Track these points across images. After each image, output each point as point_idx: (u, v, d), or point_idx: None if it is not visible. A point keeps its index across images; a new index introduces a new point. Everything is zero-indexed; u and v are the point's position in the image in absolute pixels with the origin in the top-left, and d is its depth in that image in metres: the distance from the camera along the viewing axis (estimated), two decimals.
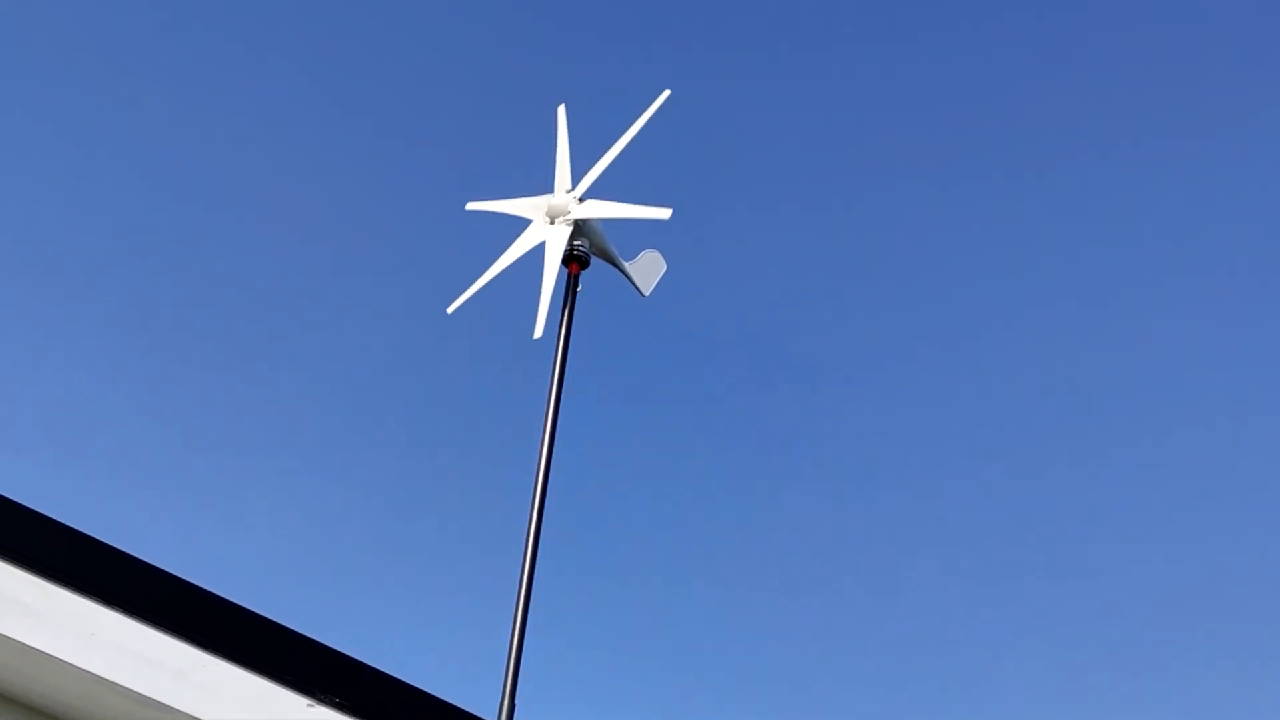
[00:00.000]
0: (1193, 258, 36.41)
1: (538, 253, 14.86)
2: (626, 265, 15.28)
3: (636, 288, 15.30)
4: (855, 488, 35.20)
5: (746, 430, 34.84)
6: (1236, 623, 33.64)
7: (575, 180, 15.31)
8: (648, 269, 15.36)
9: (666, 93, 15.61)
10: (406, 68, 35.96)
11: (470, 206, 15.93)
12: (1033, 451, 35.82)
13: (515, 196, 15.62)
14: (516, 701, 12.35)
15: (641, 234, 15.45)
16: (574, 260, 14.74)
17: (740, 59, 35.32)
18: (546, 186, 15.45)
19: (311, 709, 5.91)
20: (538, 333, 14.30)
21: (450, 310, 15.17)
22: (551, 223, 14.97)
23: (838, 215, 36.12)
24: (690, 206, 14.94)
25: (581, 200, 15.15)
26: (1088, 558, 34.87)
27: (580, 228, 14.81)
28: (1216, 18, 36.26)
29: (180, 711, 5.87)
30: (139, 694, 5.71)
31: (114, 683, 5.65)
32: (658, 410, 34.27)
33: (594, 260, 14.93)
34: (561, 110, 15.90)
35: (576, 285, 14.70)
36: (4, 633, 5.48)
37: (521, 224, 15.28)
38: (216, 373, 34.44)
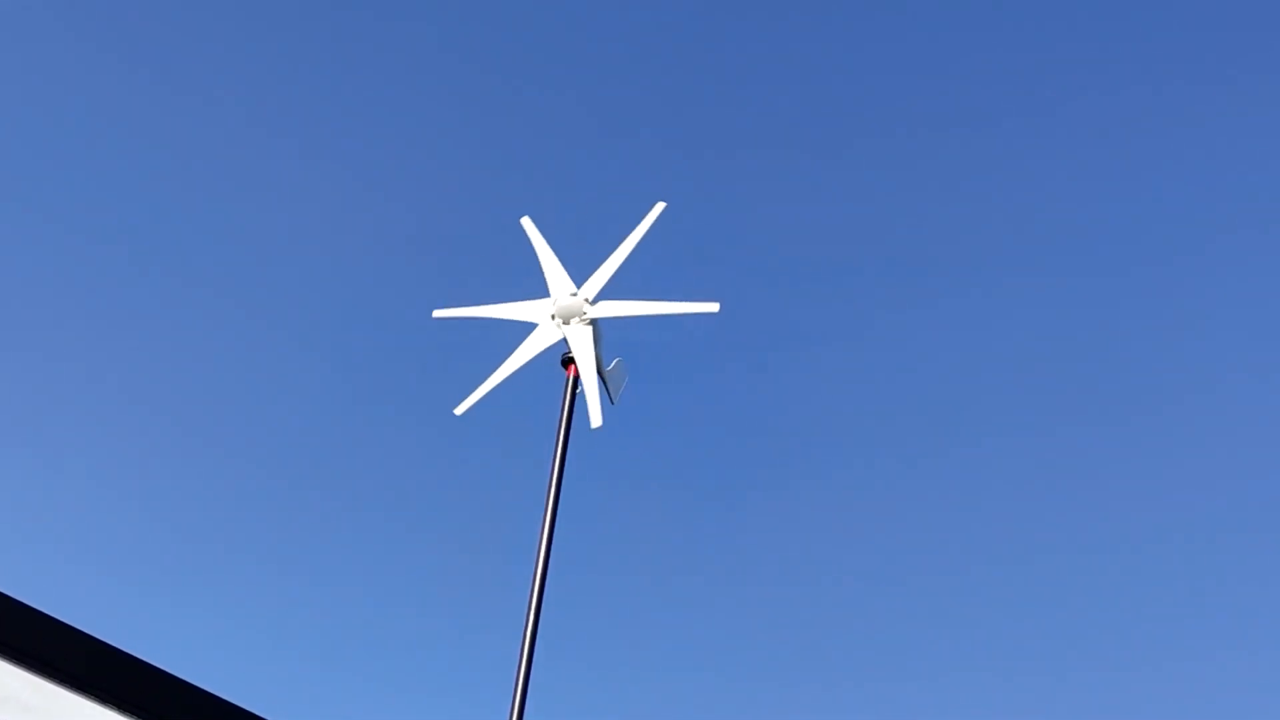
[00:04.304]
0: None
1: (540, 355, 15.38)
2: (607, 372, 15.76)
3: (609, 395, 15.73)
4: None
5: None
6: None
7: (607, 294, 15.72)
8: (616, 377, 15.81)
9: (661, 205, 16.09)
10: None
11: (437, 314, 16.37)
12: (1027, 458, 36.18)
13: (483, 304, 16.00)
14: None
15: (633, 341, 16.00)
16: (571, 362, 15.32)
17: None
18: (522, 293, 15.96)
19: None
20: (596, 421, 14.83)
21: (459, 411, 15.69)
22: (565, 323, 15.45)
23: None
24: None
25: (594, 302, 15.63)
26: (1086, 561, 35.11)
27: (566, 338, 15.33)
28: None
29: None
30: None
31: None
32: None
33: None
34: (527, 222, 16.37)
35: (575, 386, 15.29)
36: None
37: (507, 329, 15.76)
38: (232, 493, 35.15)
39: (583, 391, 15.38)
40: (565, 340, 15.59)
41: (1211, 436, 36.63)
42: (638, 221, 16.37)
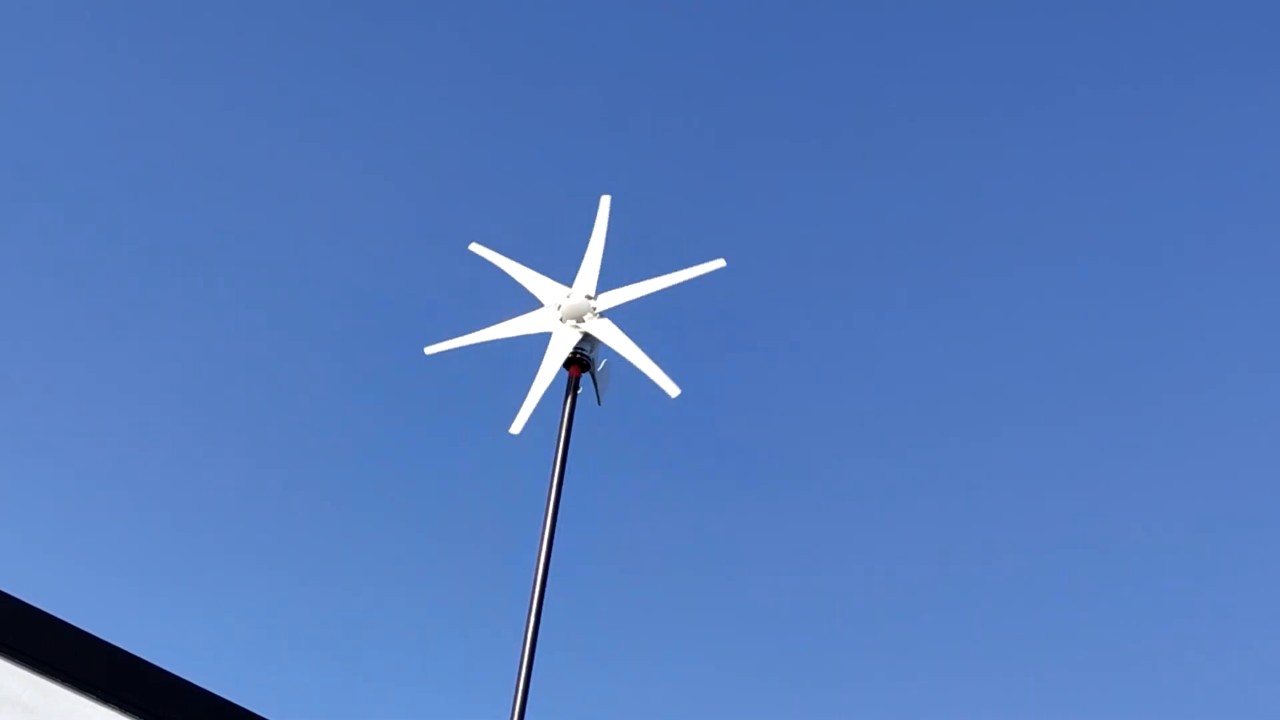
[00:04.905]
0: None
1: (536, 350, 15.32)
2: (596, 374, 15.69)
3: (597, 396, 15.65)
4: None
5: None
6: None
7: (600, 287, 15.65)
8: (604, 379, 15.74)
9: (721, 262, 15.91)
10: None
11: (474, 248, 16.19)
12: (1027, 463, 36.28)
13: (516, 261, 15.90)
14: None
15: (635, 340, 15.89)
16: (575, 363, 15.27)
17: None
18: (554, 269, 15.87)
19: None
20: (516, 428, 14.70)
21: (429, 351, 15.46)
22: (581, 321, 15.38)
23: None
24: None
25: (601, 315, 15.54)
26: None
27: (587, 336, 15.29)
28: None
29: None
30: None
31: None
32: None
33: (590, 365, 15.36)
34: (605, 201, 16.23)
35: (577, 387, 15.24)
36: None
37: (515, 295, 15.66)
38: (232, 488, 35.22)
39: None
40: (589, 337, 15.46)
41: (1212, 436, 36.65)
42: (631, 218, 16.30)
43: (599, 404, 15.71)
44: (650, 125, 38.33)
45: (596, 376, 15.67)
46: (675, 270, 15.85)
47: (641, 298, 15.62)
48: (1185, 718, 33.28)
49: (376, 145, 38.10)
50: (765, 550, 36.11)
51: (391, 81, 38.30)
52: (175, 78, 36.66)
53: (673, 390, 15.25)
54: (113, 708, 6.86)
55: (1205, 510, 35.95)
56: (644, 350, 15.50)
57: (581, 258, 15.91)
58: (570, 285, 15.78)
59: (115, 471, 36.03)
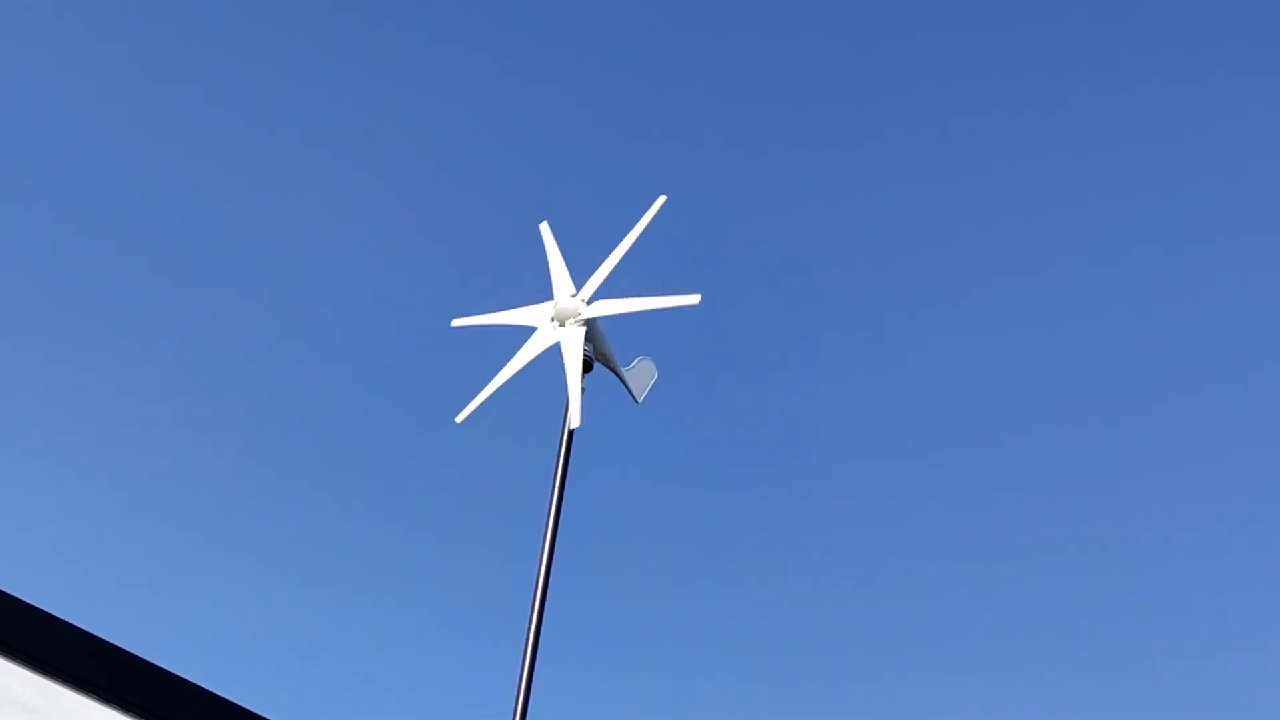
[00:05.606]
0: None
1: (543, 358, 15.35)
2: (623, 371, 15.69)
3: (631, 394, 15.67)
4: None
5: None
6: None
7: (577, 285, 15.75)
8: (642, 376, 15.73)
9: (663, 198, 16.13)
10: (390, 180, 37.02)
11: (456, 323, 16.37)
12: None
13: (499, 310, 16.07)
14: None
15: (638, 341, 15.95)
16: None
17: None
18: (534, 297, 15.93)
19: None
20: (575, 422, 14.76)
21: (459, 420, 15.58)
22: (561, 325, 15.43)
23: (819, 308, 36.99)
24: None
25: (589, 302, 15.62)
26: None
27: (589, 327, 15.33)
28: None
29: None
30: None
31: None
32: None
33: (593, 365, 15.39)
34: (544, 227, 16.43)
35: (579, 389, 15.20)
36: None
37: (514, 334, 15.74)
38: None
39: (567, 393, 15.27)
40: (591, 330, 15.49)
41: (1215, 437, 36.68)
42: (635, 219, 16.33)
43: (638, 402, 15.81)
44: (653, 126, 38.37)
45: (625, 374, 15.70)
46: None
47: (632, 292, 15.72)
48: (1185, 717, 33.29)
49: (376, 145, 38.13)
50: (770, 554, 36.13)
51: (391, 82, 38.34)
52: (175, 78, 36.68)
53: (693, 300, 15.33)
54: (114, 708, 6.84)
55: (1209, 512, 35.97)
56: (639, 317, 15.59)
57: (572, 274, 16.03)
58: (551, 299, 15.86)
59: (115, 471, 36.02)
